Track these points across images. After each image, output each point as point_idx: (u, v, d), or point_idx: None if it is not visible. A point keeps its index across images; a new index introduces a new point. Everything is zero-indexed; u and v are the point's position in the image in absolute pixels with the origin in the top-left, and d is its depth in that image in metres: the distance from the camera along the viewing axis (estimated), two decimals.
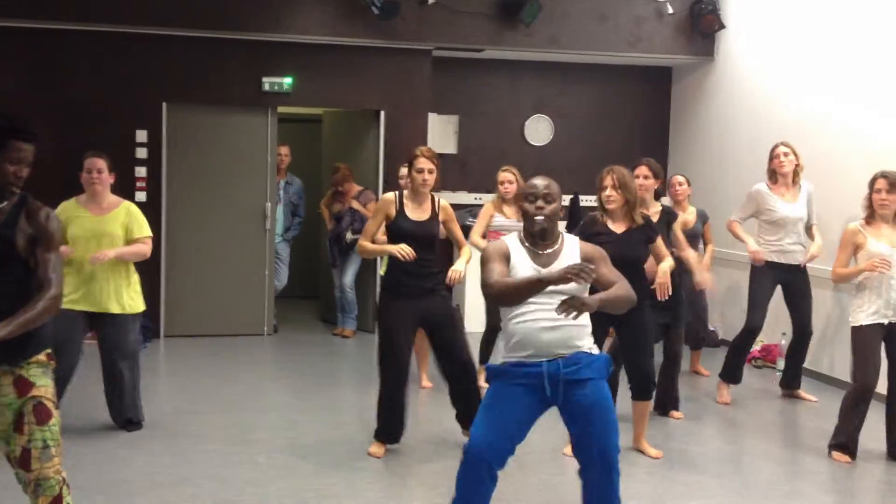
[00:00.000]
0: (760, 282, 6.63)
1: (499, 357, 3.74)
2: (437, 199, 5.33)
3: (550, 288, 3.50)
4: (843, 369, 7.03)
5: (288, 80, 8.62)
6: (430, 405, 6.35)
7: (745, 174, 8.22)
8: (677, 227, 5.89)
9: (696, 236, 7.19)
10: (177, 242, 8.57)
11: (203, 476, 4.90)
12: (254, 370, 7.52)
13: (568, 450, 5.14)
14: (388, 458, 5.25)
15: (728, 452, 5.74)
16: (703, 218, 7.25)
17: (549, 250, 3.76)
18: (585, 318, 3.68)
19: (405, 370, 5.21)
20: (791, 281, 6.62)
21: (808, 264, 6.62)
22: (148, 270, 8.45)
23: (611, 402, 3.72)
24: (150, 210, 8.34)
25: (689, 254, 6.23)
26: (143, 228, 5.54)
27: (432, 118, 9.13)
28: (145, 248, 5.52)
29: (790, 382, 6.91)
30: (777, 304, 6.74)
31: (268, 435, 5.69)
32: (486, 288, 3.61)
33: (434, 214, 5.27)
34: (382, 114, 8.86)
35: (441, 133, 9.39)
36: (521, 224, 6.65)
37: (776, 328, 7.45)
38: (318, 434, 5.73)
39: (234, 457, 5.23)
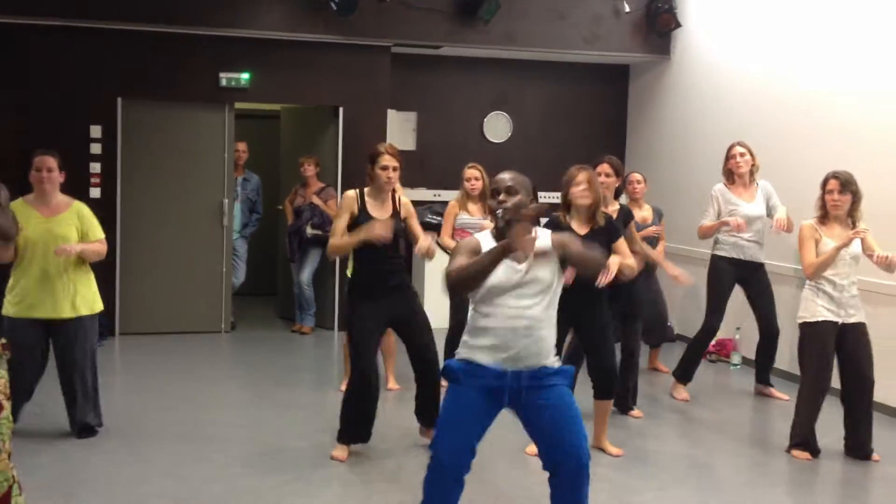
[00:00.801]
0: (719, 280, 6.66)
1: (462, 349, 3.69)
2: (398, 197, 5.29)
3: (523, 289, 3.50)
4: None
5: (245, 76, 8.56)
6: (396, 407, 6.27)
7: (701, 172, 8.33)
8: (633, 226, 5.87)
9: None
10: (132, 239, 8.48)
11: (160, 474, 4.86)
12: (211, 367, 7.47)
13: (531, 449, 5.16)
14: (349, 457, 5.22)
15: (687, 450, 5.72)
16: (658, 215, 7.28)
17: (532, 235, 3.54)
18: (552, 331, 3.64)
19: (374, 372, 5.11)
20: (749, 278, 6.66)
21: (767, 262, 6.70)
22: (103, 268, 8.34)
23: (577, 407, 3.65)
24: (105, 206, 8.27)
25: (651, 251, 6.30)
26: (97, 230, 5.38)
27: (391, 115, 9.13)
28: (103, 249, 5.41)
29: (764, 378, 6.93)
30: (732, 299, 6.78)
31: (225, 432, 5.66)
32: (446, 278, 3.51)
33: (396, 211, 5.22)
34: (341, 110, 8.83)
35: (400, 129, 9.39)
36: (486, 220, 6.67)
37: (731, 323, 7.54)
38: (277, 431, 5.70)
39: (191, 455, 5.19)
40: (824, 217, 5.39)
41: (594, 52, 9.28)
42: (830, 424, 5.60)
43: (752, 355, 7.75)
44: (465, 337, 3.71)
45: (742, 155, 6.58)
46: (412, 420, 5.48)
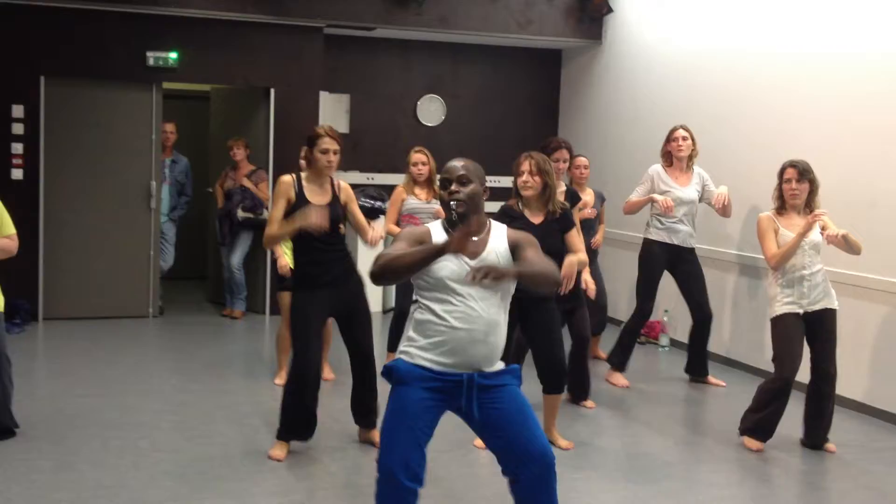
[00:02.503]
0: (649, 265, 6.66)
1: (409, 348, 3.38)
2: (335, 181, 5.03)
3: (475, 290, 3.25)
4: (749, 354, 7.12)
5: (173, 55, 8.38)
6: (331, 398, 5.85)
7: (632, 157, 8.42)
8: (576, 211, 5.67)
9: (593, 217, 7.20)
10: (56, 222, 8.26)
11: (83, 462, 4.75)
12: (137, 353, 7.33)
13: (479, 441, 4.90)
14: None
15: (635, 440, 5.54)
16: (600, 198, 7.24)
17: (475, 238, 3.36)
18: (504, 332, 3.41)
19: (317, 366, 4.88)
20: (680, 262, 6.63)
21: (697, 245, 6.71)
22: (26, 251, 8.13)
23: (530, 406, 3.43)
24: (28, 188, 8.08)
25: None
26: (8, 226, 4.97)
27: (324, 97, 9.04)
28: (13, 246, 4.99)
29: (698, 370, 6.80)
30: (660, 281, 6.79)
31: (151, 418, 5.56)
32: (375, 261, 3.22)
33: (335, 196, 4.96)
34: (272, 92, 8.71)
35: (332, 112, 9.30)
36: (435, 206, 6.57)
37: (659, 305, 7.61)
38: (205, 417, 5.62)
39: (116, 441, 5.09)
40: (781, 208, 5.25)
41: (527, 36, 9.30)
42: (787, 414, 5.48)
43: (680, 337, 7.89)
44: (411, 333, 3.41)
45: (685, 139, 6.54)
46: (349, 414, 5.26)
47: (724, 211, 6.62)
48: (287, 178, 4.90)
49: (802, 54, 6.71)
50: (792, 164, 5.18)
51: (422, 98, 9.79)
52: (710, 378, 6.80)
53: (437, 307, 3.32)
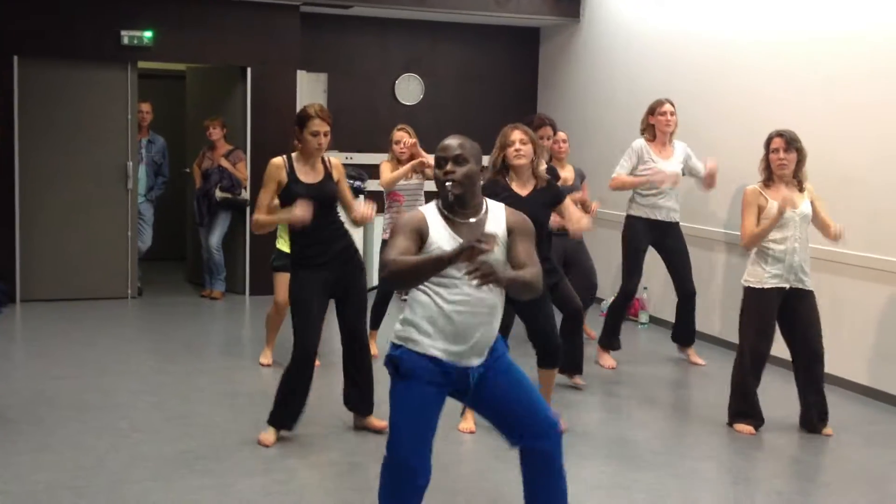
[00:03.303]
0: (634, 242, 6.55)
1: (412, 334, 3.25)
2: (327, 158, 4.93)
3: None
4: (733, 332, 6.97)
5: (148, 34, 8.30)
6: (320, 385, 5.42)
7: (609, 135, 8.43)
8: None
9: (573, 193, 7.13)
10: (33, 203, 8.19)
11: (61, 443, 4.73)
12: (116, 334, 7.29)
13: (463, 425, 4.96)
14: (262, 419, 5.14)
15: (623, 422, 5.46)
16: (580, 176, 7.10)
17: (472, 220, 3.26)
18: (500, 318, 3.33)
19: (314, 347, 4.77)
20: (664, 239, 6.55)
21: (681, 223, 6.63)
22: (2, 234, 8.11)
23: (525, 374, 3.37)
24: (2, 170, 7.99)
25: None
26: None
27: (301, 75, 8.98)
28: None
29: (684, 338, 6.76)
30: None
31: (130, 399, 5.54)
32: (382, 268, 3.12)
33: (328, 174, 4.86)
34: (249, 70, 8.65)
35: (310, 91, 9.24)
36: (419, 183, 6.51)
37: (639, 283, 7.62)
38: (184, 397, 5.61)
39: (95, 422, 5.07)
40: (769, 179, 5.10)
41: (505, 14, 9.25)
42: (781, 397, 5.53)
43: (657, 313, 7.94)
44: (410, 317, 3.27)
45: (672, 114, 6.43)
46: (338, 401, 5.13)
47: (711, 182, 6.51)
48: (278, 161, 4.79)
49: (779, 32, 6.72)
50: (779, 134, 5.05)
51: (400, 77, 9.74)
52: (692, 353, 6.75)
53: (440, 290, 3.20)
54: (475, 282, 2.95)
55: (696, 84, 7.54)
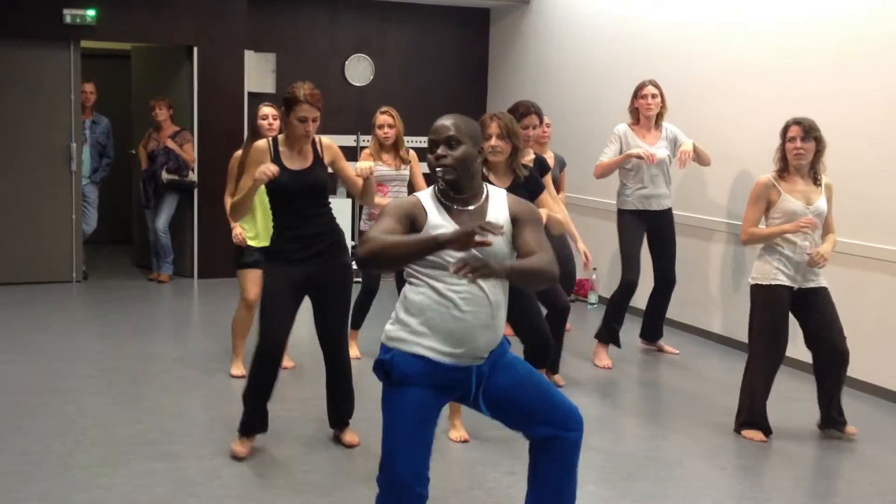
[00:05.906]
0: (629, 232, 6.27)
1: (403, 333, 2.95)
2: (318, 140, 4.38)
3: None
4: (734, 329, 6.65)
5: (91, 13, 8.13)
6: (289, 387, 5.39)
7: (562, 118, 8.45)
8: (549, 179, 5.14)
9: (553, 182, 6.91)
10: None
11: (6, 428, 4.65)
12: (61, 318, 7.17)
13: (454, 434, 4.66)
14: (211, 403, 5.10)
15: (617, 426, 5.08)
16: (560, 164, 6.90)
17: (471, 206, 2.96)
18: (504, 318, 3.02)
19: (281, 343, 4.33)
20: (657, 226, 6.29)
21: (674, 212, 6.38)
22: None
23: (533, 368, 3.13)
24: None
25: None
26: None
27: (249, 55, 8.87)
28: None
29: (652, 334, 6.56)
30: (589, 238, 6.53)
31: (78, 384, 5.46)
32: (361, 245, 2.76)
33: (318, 159, 4.35)
34: (195, 50, 8.52)
35: (258, 71, 9.14)
36: (404, 172, 6.25)
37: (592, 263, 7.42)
38: (133, 381, 5.54)
39: (41, 407, 4.99)
40: (784, 170, 4.77)
41: None
42: (793, 401, 5.31)
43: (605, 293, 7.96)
44: (403, 315, 2.97)
45: (654, 96, 6.11)
46: (315, 404, 4.87)
47: (701, 160, 6.27)
48: (261, 145, 4.32)
49: (732, 12, 6.76)
50: (796, 122, 4.72)
51: (350, 57, 9.67)
52: (663, 344, 6.57)
53: (439, 286, 2.90)
54: (465, 277, 2.58)
55: (645, 68, 7.51)
